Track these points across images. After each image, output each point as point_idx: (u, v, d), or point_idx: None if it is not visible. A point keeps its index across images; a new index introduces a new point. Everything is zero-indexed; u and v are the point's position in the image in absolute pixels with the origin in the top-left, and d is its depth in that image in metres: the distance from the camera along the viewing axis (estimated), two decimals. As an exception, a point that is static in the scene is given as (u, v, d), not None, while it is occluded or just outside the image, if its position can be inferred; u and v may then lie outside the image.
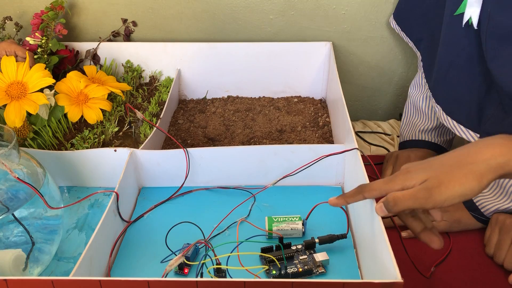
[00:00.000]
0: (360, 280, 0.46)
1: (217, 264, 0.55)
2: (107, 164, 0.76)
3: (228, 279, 0.44)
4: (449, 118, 0.76)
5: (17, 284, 0.45)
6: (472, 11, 0.67)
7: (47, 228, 0.66)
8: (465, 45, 0.70)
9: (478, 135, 0.72)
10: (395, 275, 0.45)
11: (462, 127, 0.74)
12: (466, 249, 0.72)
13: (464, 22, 0.68)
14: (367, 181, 0.63)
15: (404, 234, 0.74)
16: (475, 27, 0.66)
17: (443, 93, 0.78)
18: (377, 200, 0.55)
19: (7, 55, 0.80)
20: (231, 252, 0.58)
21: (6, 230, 0.61)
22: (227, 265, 0.56)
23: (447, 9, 0.73)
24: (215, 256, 0.55)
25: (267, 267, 0.61)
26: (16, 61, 0.78)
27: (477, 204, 0.74)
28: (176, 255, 0.56)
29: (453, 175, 0.48)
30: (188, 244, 0.64)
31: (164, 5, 1.01)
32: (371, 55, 1.04)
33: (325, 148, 0.74)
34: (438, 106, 0.78)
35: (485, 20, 0.64)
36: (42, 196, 0.60)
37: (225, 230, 0.69)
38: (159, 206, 0.75)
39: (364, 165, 0.66)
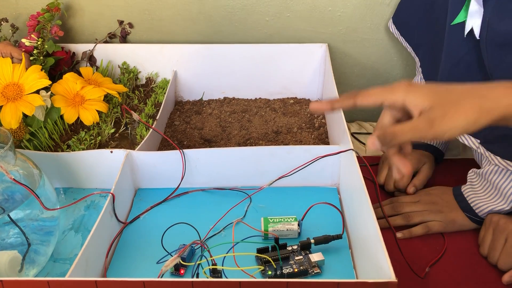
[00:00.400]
0: (355, 280, 0.46)
1: (213, 265, 0.56)
2: (103, 165, 0.76)
3: (223, 279, 0.44)
4: None
5: (13, 285, 0.45)
6: (473, 21, 0.67)
7: (43, 230, 0.66)
8: (464, 54, 0.71)
9: (479, 141, 0.72)
10: (390, 275, 0.46)
11: None
12: (461, 249, 0.73)
13: (466, 32, 0.68)
14: (363, 182, 0.64)
15: (399, 235, 0.75)
16: (477, 37, 0.66)
17: None
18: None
19: (3, 57, 0.80)
20: (226, 253, 0.58)
21: (2, 231, 0.61)
22: (222, 266, 0.56)
23: (448, 17, 0.74)
24: (211, 256, 0.55)
25: (262, 268, 0.61)
26: (12, 62, 0.78)
27: (471, 205, 0.75)
28: (172, 256, 0.56)
29: (460, 105, 0.45)
30: (184, 245, 0.64)
31: (160, 7, 1.01)
32: (367, 57, 1.04)
33: (321, 149, 0.75)
34: None
35: (485, 29, 0.64)
36: (38, 198, 0.60)
37: (221, 231, 0.70)
38: (155, 208, 0.75)
39: (360, 166, 0.67)
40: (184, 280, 0.44)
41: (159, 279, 0.44)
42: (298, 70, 1.01)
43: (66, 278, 0.47)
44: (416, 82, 0.48)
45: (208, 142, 0.91)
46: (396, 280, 0.45)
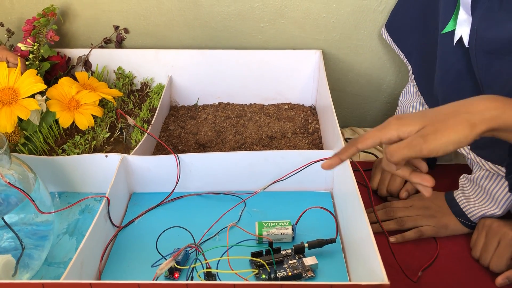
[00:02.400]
0: (347, 283, 0.47)
1: (207, 268, 0.56)
2: (98, 169, 0.76)
3: (217, 282, 0.44)
4: None
5: (7, 288, 0.45)
6: (462, 30, 0.68)
7: (37, 234, 0.66)
8: (454, 62, 0.72)
9: (469, 147, 0.73)
10: (382, 278, 0.46)
11: None
12: (453, 253, 0.73)
13: (455, 40, 0.69)
14: (356, 187, 0.64)
15: (392, 239, 0.75)
16: (467, 46, 0.67)
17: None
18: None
19: (-1, 61, 0.81)
20: (221, 256, 0.59)
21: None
22: (217, 269, 0.56)
23: (440, 26, 0.75)
24: (205, 260, 0.55)
25: (256, 271, 0.62)
26: (8, 67, 0.79)
27: (464, 210, 0.76)
28: (166, 259, 0.56)
29: (448, 122, 0.48)
30: (178, 248, 0.64)
31: (156, 12, 1.01)
32: (360, 63, 1.05)
33: (315, 154, 0.75)
34: None
35: (473, 37, 0.65)
36: (33, 201, 0.60)
37: (215, 235, 0.70)
38: (149, 212, 0.75)
39: (353, 171, 0.67)
40: (179, 282, 0.45)
41: (154, 281, 0.44)
42: (292, 76, 1.02)
43: (61, 280, 0.47)
44: (403, 114, 0.53)
45: (202, 147, 0.91)
46: (388, 283, 0.45)
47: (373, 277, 0.51)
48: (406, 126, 0.50)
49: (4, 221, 0.61)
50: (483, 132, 0.48)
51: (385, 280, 0.46)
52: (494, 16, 0.63)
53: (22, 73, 0.79)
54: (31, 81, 0.78)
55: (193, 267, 0.55)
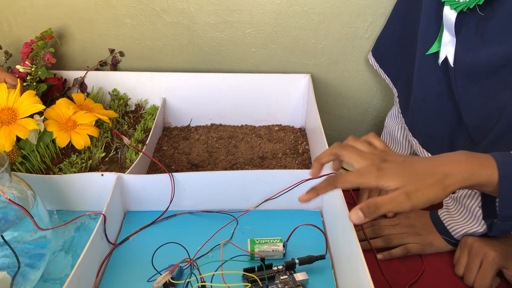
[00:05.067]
0: (338, 294, 0.49)
1: (202, 282, 0.58)
2: (93, 188, 0.78)
3: (214, 293, 0.46)
4: (424, 150, 0.81)
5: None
6: (446, 50, 0.71)
7: (33, 252, 0.67)
8: (435, 83, 0.75)
9: None
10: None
11: None
12: (438, 269, 0.76)
13: (440, 60, 0.72)
14: (346, 207, 0.67)
15: (379, 256, 0.78)
16: (452, 65, 0.70)
17: (418, 128, 0.83)
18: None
19: (-3, 82, 0.83)
20: (215, 271, 0.60)
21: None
22: (211, 284, 0.58)
23: (419, 48, 0.78)
24: (200, 274, 0.57)
25: (249, 285, 0.64)
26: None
27: (448, 228, 0.78)
28: (161, 275, 0.58)
29: (427, 183, 0.53)
30: (173, 264, 0.66)
31: (150, 37, 1.05)
32: (348, 87, 1.09)
33: (305, 173, 0.78)
34: (415, 139, 0.83)
35: (454, 59, 0.69)
36: (32, 217, 0.62)
37: (208, 252, 0.72)
38: (144, 229, 0.77)
39: (342, 190, 0.70)
40: (176, 294, 0.47)
41: (152, 293, 0.46)
42: (282, 99, 1.05)
43: (63, 292, 0.49)
44: (382, 159, 0.57)
45: (195, 167, 0.94)
46: (376, 294, 0.48)
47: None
48: (386, 180, 0.54)
49: (3, 239, 0.62)
50: (455, 190, 0.54)
51: (372, 291, 0.48)
52: (471, 41, 0.67)
53: (21, 94, 0.81)
54: (30, 102, 0.80)
55: (188, 282, 0.56)
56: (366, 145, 0.61)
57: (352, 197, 0.86)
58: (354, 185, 0.57)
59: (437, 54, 0.74)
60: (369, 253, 0.76)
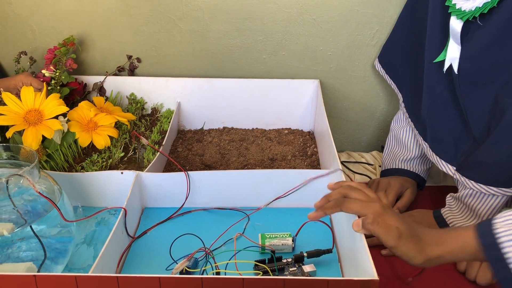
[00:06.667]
0: (342, 278, 0.53)
1: (216, 270, 0.62)
2: (113, 185, 0.82)
3: (228, 276, 0.50)
4: (434, 153, 0.84)
5: (43, 280, 0.51)
6: (451, 58, 0.74)
7: (54, 246, 0.71)
8: (441, 90, 0.78)
9: (454, 168, 0.80)
10: (372, 274, 0.53)
11: (443, 161, 0.82)
12: (439, 266, 0.79)
13: (445, 69, 0.76)
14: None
15: (383, 252, 0.81)
16: (456, 73, 0.74)
17: (426, 133, 0.86)
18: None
19: (25, 86, 0.88)
20: (229, 260, 0.64)
21: (16, 247, 0.66)
22: (225, 271, 0.62)
23: (426, 56, 0.81)
24: (215, 263, 0.61)
25: (261, 273, 0.68)
26: (33, 91, 0.86)
27: (450, 225, 0.82)
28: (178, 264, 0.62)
29: (415, 244, 0.58)
30: (189, 254, 0.70)
31: (166, 44, 1.10)
32: (355, 92, 1.13)
33: (313, 173, 0.82)
34: (426, 143, 0.87)
35: (458, 67, 0.72)
36: (59, 210, 0.67)
37: (222, 245, 0.76)
38: (161, 224, 0.81)
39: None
40: (194, 276, 0.51)
41: (173, 275, 0.50)
42: (292, 103, 1.10)
43: (90, 274, 0.53)
44: (388, 205, 0.64)
45: (208, 167, 0.98)
46: (377, 279, 0.52)
47: (365, 277, 0.57)
48: (383, 225, 0.59)
49: (32, 230, 0.67)
50: (430, 261, 0.58)
51: (375, 276, 0.52)
52: (473, 48, 0.71)
53: (46, 97, 0.86)
54: (55, 104, 0.85)
55: (204, 270, 0.61)
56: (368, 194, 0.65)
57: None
58: (357, 212, 0.62)
59: (442, 62, 0.77)
60: (374, 249, 0.80)
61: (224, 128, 1.12)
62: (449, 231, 0.59)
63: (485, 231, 0.55)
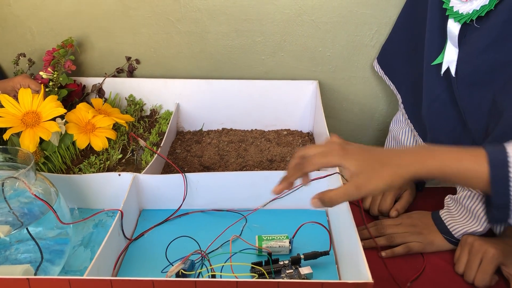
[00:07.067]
0: (336, 281, 0.53)
1: (211, 273, 0.62)
2: (111, 187, 0.82)
3: (222, 279, 0.50)
4: None
5: (37, 283, 0.51)
6: (449, 61, 0.74)
7: (51, 248, 0.71)
8: (440, 92, 0.78)
9: None
10: (367, 277, 0.52)
11: None
12: (438, 267, 0.79)
13: (443, 71, 0.76)
14: (348, 207, 0.70)
15: (382, 253, 0.81)
16: (454, 75, 0.74)
17: (427, 134, 0.86)
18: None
19: (23, 88, 0.88)
20: (224, 262, 0.64)
21: (14, 249, 0.66)
22: (221, 273, 0.62)
23: (425, 58, 0.81)
24: (211, 265, 0.61)
25: (256, 275, 0.67)
26: (31, 93, 0.86)
27: (448, 227, 0.81)
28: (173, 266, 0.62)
29: (380, 172, 0.56)
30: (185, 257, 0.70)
31: (165, 45, 1.10)
32: (354, 93, 1.13)
33: (311, 174, 0.82)
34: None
35: (456, 69, 0.72)
36: (55, 212, 0.67)
37: (219, 247, 0.76)
38: (158, 226, 0.81)
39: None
40: (188, 279, 0.51)
41: (166, 278, 0.50)
42: (291, 104, 1.09)
43: (85, 277, 0.53)
44: (346, 143, 0.61)
45: (207, 169, 0.98)
46: (372, 281, 0.51)
47: (360, 279, 0.57)
48: (346, 161, 0.58)
49: (28, 232, 0.67)
50: (408, 180, 0.57)
51: (369, 279, 0.52)
52: (470, 50, 0.71)
53: (44, 99, 0.86)
54: (52, 106, 0.85)
55: (199, 272, 0.61)
56: (323, 145, 0.63)
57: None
58: (319, 167, 0.61)
59: (440, 64, 0.77)
60: (373, 251, 0.80)
61: (223, 129, 1.12)
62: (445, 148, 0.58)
63: (498, 149, 0.54)
